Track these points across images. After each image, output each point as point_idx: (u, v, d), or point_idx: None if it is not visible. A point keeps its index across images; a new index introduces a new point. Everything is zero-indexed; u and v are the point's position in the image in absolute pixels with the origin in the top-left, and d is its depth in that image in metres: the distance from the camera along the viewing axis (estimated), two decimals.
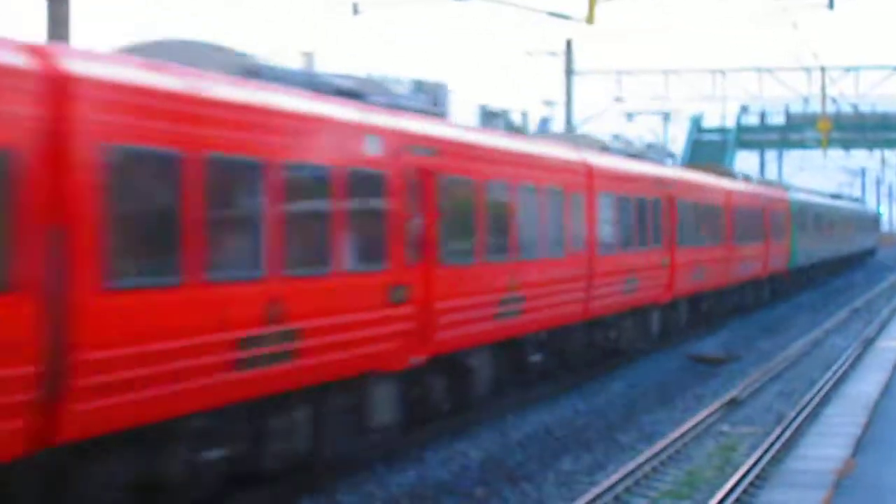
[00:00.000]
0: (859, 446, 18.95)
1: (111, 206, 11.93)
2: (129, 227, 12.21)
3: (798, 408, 22.99)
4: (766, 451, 18.84)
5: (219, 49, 15.46)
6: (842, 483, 16.21)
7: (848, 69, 59.55)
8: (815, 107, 72.62)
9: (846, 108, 75.01)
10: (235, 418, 14.39)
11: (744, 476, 17.06)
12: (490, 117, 24.21)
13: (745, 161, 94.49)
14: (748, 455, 19.42)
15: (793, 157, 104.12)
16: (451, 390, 20.43)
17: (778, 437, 19.98)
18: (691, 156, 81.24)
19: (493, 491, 17.22)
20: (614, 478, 17.13)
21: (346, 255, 16.04)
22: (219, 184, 13.52)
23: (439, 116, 20.51)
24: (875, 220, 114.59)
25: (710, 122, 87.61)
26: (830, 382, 26.32)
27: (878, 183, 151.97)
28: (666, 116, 73.85)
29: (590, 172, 26.46)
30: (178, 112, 13.01)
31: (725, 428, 22.27)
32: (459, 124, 21.39)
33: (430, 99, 20.59)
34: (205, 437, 13.85)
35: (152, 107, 12.63)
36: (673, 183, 33.47)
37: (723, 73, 60.26)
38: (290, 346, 14.80)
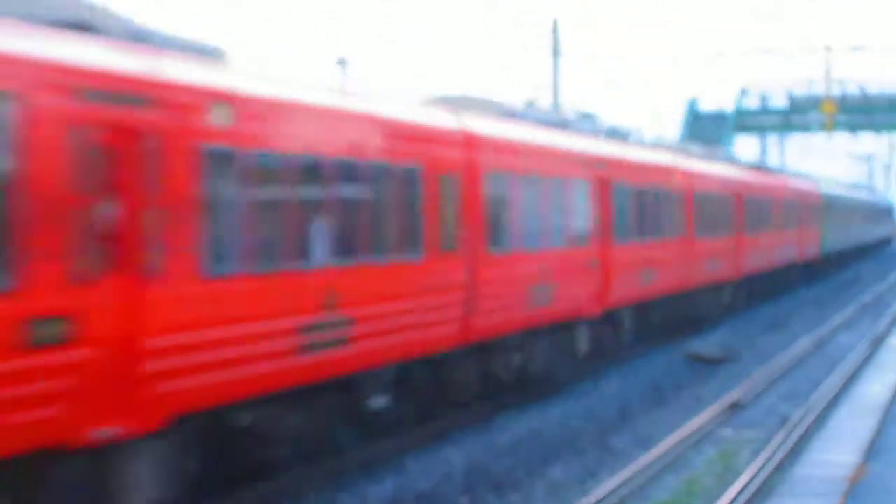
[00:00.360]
0: (870, 451, 18.80)
1: (487, 206, 21.83)
2: (493, 217, 22.06)
3: (804, 410, 22.86)
4: (771, 457, 18.69)
5: (487, 101, 24.66)
6: (853, 490, 16.03)
7: (854, 48, 59.45)
8: (818, 89, 72.56)
9: (852, 90, 74.93)
10: (524, 340, 24.00)
11: (747, 484, 16.90)
12: (614, 134, 32.54)
13: (745, 146, 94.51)
14: (751, 461, 19.27)
15: (796, 141, 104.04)
16: (613, 336, 29.98)
17: (783, 442, 19.84)
18: (687, 141, 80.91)
19: (477, 500, 17.07)
20: (607, 487, 16.97)
21: (574, 236, 26.12)
22: (520, 194, 23.27)
23: (598, 136, 29.70)
24: (890, 209, 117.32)
25: (706, 105, 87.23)
26: (839, 383, 26.21)
27: (888, 169, 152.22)
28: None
29: (688, 175, 35.90)
30: (513, 151, 23.27)
31: (726, 432, 22.14)
32: (617, 143, 30.68)
33: (591, 122, 30.63)
34: (513, 350, 23.67)
35: (501, 148, 22.72)
36: (741, 182, 43.08)
37: (722, 54, 60.09)
38: (550, 294, 24.64)
